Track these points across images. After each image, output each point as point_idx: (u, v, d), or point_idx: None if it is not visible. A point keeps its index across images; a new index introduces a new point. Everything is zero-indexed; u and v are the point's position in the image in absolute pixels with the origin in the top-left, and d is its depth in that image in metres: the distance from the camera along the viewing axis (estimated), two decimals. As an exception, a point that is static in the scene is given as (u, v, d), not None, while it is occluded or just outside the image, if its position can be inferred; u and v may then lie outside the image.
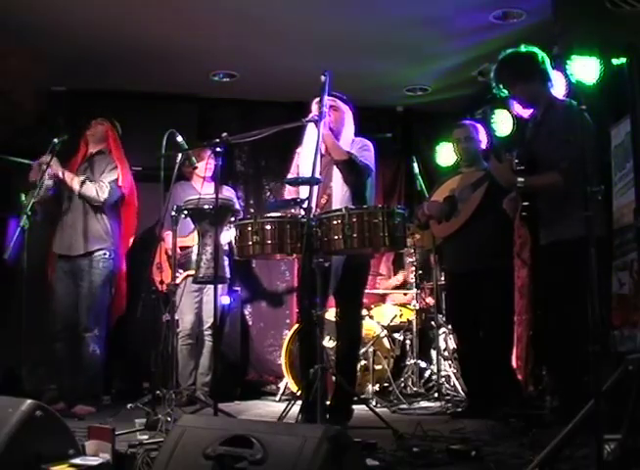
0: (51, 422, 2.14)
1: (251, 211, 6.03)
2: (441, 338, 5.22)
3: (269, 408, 4.80)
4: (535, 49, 3.40)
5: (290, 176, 3.98)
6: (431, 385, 5.11)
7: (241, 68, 5.46)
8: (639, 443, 2.05)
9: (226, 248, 4.59)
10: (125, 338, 5.28)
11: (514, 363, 4.58)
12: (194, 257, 4.35)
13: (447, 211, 4.30)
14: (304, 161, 3.84)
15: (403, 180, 6.48)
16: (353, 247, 3.31)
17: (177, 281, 4.47)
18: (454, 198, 4.28)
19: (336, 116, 3.86)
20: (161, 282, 4.57)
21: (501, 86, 3.49)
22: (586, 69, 3.27)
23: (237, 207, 4.39)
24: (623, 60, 2.32)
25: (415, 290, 5.39)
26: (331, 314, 4.38)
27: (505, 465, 2.56)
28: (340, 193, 3.77)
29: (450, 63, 5.31)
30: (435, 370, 4.97)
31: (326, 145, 3.74)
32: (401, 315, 5.45)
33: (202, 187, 4.36)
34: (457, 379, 4.94)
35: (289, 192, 3.96)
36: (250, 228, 3.39)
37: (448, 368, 5.09)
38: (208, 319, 4.78)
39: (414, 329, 5.25)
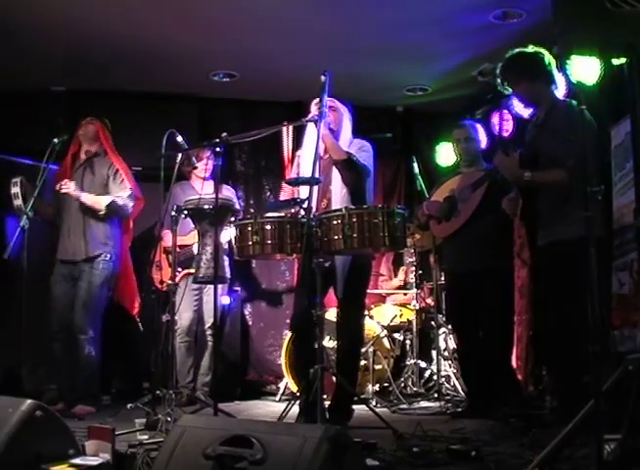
0: (51, 422, 2.14)
1: (251, 210, 6.03)
2: (441, 338, 5.22)
3: (269, 408, 4.81)
4: (542, 50, 3.43)
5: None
6: (431, 385, 5.11)
7: (241, 68, 5.46)
8: (639, 443, 2.05)
9: (226, 247, 4.59)
10: (125, 338, 5.28)
11: (514, 363, 4.59)
12: (194, 255, 4.36)
13: (447, 211, 4.30)
14: (304, 161, 3.84)
15: (403, 180, 6.48)
16: (353, 247, 3.30)
17: (176, 279, 4.46)
18: (454, 198, 4.28)
19: (334, 116, 3.86)
20: (161, 282, 4.57)
21: (505, 84, 3.53)
22: (586, 69, 3.27)
23: (237, 206, 4.39)
24: (623, 60, 2.32)
25: (415, 290, 5.39)
26: (331, 314, 4.39)
27: (505, 465, 2.56)
28: (339, 195, 3.77)
29: (450, 63, 5.31)
30: (435, 370, 4.96)
31: (325, 145, 3.73)
32: (401, 315, 5.45)
33: (202, 188, 4.36)
34: (457, 379, 4.94)
35: (284, 193, 3.96)
36: (250, 228, 3.39)
37: (448, 368, 5.09)
38: (209, 319, 4.78)
39: (414, 329, 5.25)
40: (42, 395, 4.40)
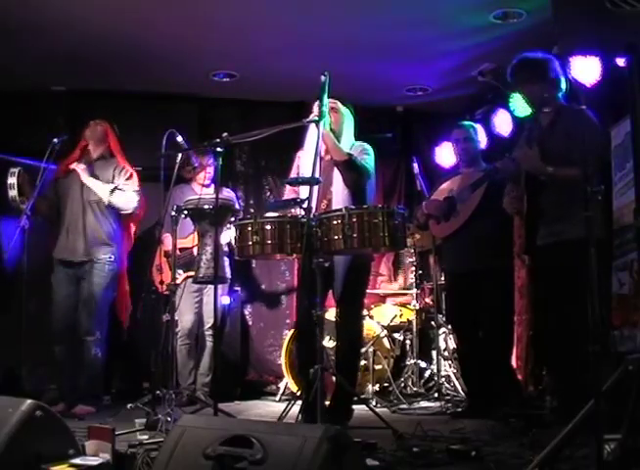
0: (51, 422, 2.14)
1: (251, 210, 6.03)
2: (441, 338, 5.22)
3: (269, 408, 4.80)
4: (552, 56, 3.48)
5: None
6: (431, 385, 5.10)
7: (241, 68, 5.46)
8: (639, 443, 2.05)
9: (226, 248, 4.59)
10: (125, 338, 5.27)
11: (514, 363, 4.59)
12: (194, 258, 4.35)
13: (446, 211, 4.30)
14: (305, 162, 3.83)
15: (403, 180, 6.47)
16: (353, 247, 3.30)
17: (177, 281, 4.46)
18: (453, 198, 4.28)
19: (335, 117, 3.86)
20: (161, 282, 4.57)
21: (513, 84, 3.57)
22: (586, 69, 3.28)
23: (237, 207, 4.39)
24: (623, 60, 2.32)
25: (415, 290, 5.40)
26: (331, 314, 4.39)
27: (505, 465, 2.56)
28: (340, 196, 3.76)
29: (450, 63, 5.30)
30: (435, 370, 4.97)
31: (326, 145, 3.73)
32: (401, 315, 5.45)
33: (201, 190, 4.36)
34: (457, 379, 4.94)
35: (289, 192, 3.96)
36: (250, 228, 3.38)
37: (448, 368, 5.09)
38: (209, 320, 4.78)
39: (414, 329, 5.25)
40: (42, 395, 4.40)
